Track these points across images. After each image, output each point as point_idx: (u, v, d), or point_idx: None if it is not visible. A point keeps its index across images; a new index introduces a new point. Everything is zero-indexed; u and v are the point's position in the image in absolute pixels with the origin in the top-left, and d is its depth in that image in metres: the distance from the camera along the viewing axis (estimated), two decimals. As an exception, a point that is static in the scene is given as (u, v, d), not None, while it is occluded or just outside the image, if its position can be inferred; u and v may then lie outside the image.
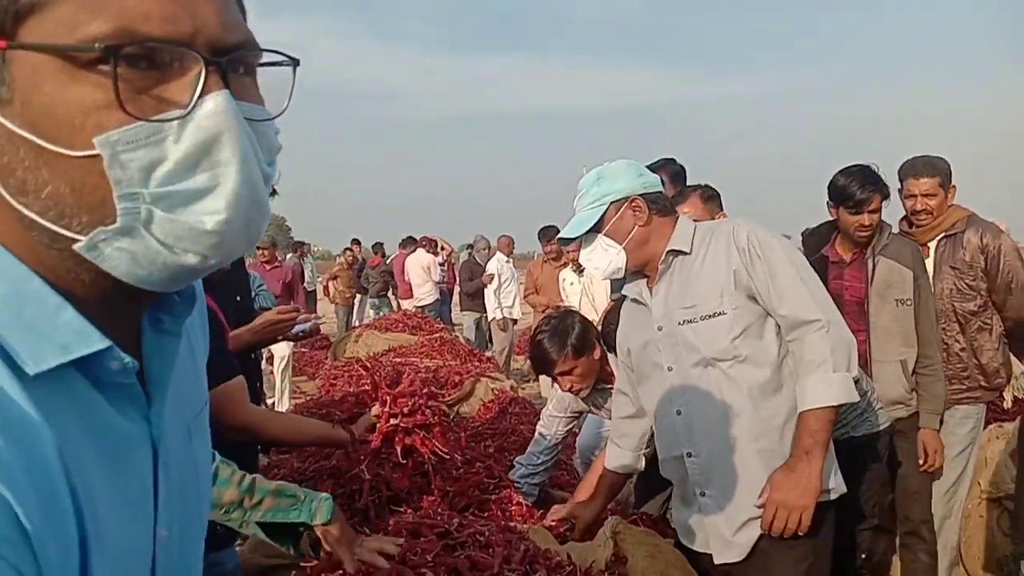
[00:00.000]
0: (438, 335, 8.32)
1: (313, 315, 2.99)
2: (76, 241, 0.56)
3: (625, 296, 2.19)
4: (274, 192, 2.90)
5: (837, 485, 1.94)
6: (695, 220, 2.18)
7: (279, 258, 10.31)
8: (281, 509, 1.56)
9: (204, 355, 0.81)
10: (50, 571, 0.51)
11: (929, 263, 3.26)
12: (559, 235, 2.20)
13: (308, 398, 6.26)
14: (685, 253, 2.00)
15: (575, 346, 2.63)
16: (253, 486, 1.56)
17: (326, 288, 13.52)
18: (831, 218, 3.13)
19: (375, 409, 2.05)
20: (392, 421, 2.13)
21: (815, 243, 3.20)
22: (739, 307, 1.90)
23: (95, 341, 0.57)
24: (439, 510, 1.96)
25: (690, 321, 1.95)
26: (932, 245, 3.26)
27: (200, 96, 0.55)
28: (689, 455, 1.99)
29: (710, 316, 1.92)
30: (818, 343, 1.82)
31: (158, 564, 0.67)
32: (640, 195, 2.00)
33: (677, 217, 2.07)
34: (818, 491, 1.81)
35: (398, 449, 2.09)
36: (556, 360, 2.64)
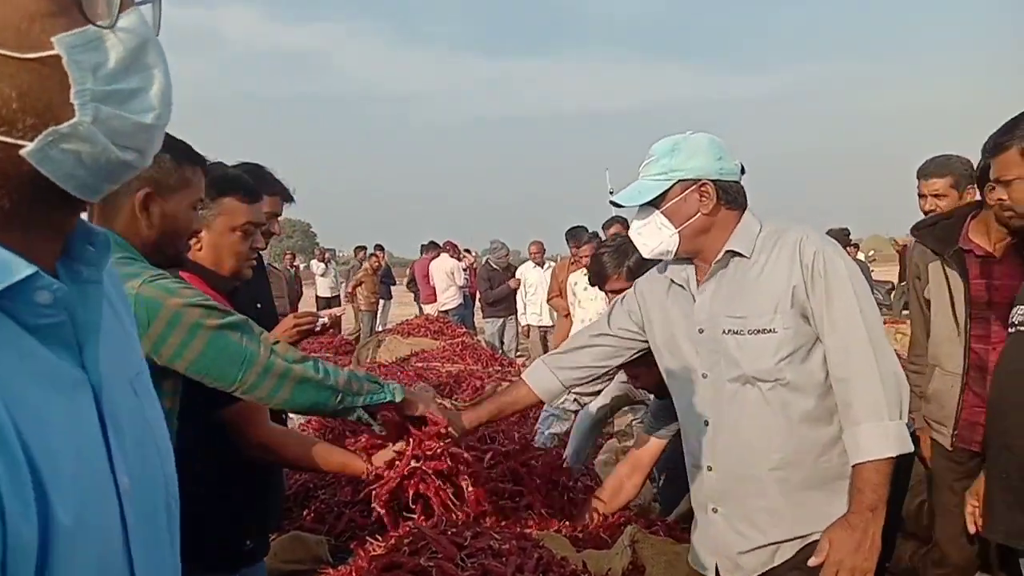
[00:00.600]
0: (460, 340, 8.35)
1: (331, 310, 3.03)
2: (20, 147, 0.58)
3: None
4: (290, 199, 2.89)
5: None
6: None
7: (300, 264, 10.36)
8: (375, 393, 1.79)
9: (134, 328, 0.83)
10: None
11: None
12: (612, 197, 1.97)
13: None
14: (744, 256, 1.84)
15: (631, 268, 2.65)
16: (352, 376, 1.76)
17: (352, 294, 13.62)
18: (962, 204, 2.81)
19: (399, 445, 1.98)
20: (413, 464, 1.96)
21: (943, 235, 2.68)
22: (791, 327, 1.76)
23: (21, 268, 0.58)
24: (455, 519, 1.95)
25: (736, 332, 1.82)
26: None
27: (120, 11, 0.62)
28: (709, 468, 1.90)
29: (759, 331, 1.79)
30: (869, 387, 1.68)
31: (129, 525, 0.66)
32: (713, 180, 1.83)
33: (743, 212, 1.89)
34: (880, 551, 1.68)
35: (408, 494, 1.97)
36: (610, 276, 2.72)
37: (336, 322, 2.96)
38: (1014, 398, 1.88)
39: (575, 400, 2.95)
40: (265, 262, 3.22)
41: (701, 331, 1.88)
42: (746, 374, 1.81)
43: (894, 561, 3.35)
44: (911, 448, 1.72)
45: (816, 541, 1.74)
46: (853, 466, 1.70)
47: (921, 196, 3.16)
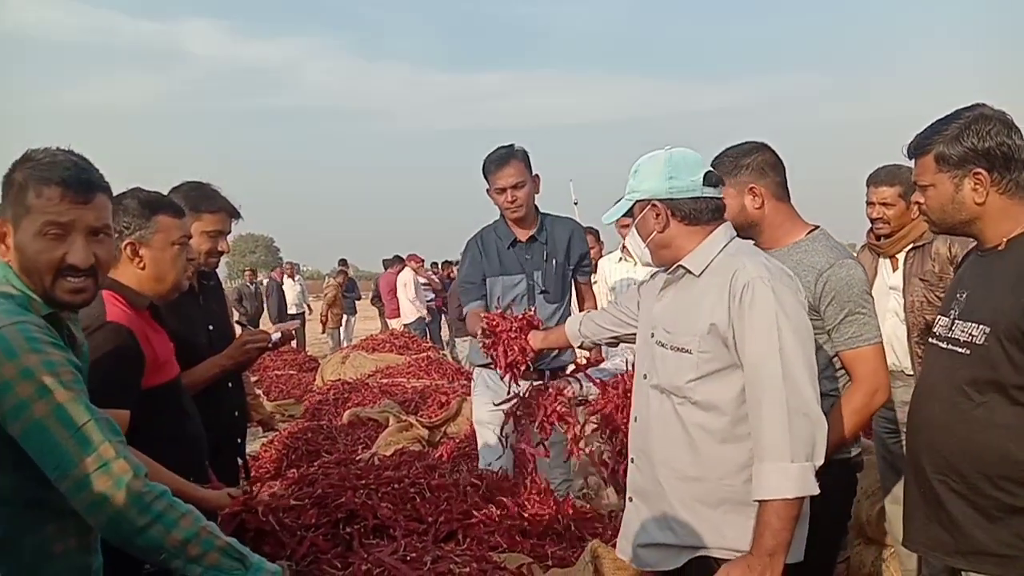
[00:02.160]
0: (425, 355, 8.32)
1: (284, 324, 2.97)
2: None
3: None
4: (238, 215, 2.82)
5: (796, 554, 1.81)
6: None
7: (261, 279, 10.16)
8: (223, 570, 1.46)
9: None
10: None
11: (898, 275, 3.21)
12: (604, 216, 2.11)
13: (296, 422, 6.26)
14: (692, 274, 1.89)
15: None
16: (200, 535, 1.46)
17: (325, 316, 13.47)
18: None
19: (233, 490, 2.18)
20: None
21: None
22: (707, 351, 1.80)
23: None
24: (417, 542, 1.96)
25: (662, 345, 1.91)
26: (900, 257, 3.19)
27: None
28: (632, 460, 2.00)
29: (678, 349, 1.86)
30: (776, 426, 1.69)
31: None
32: (663, 200, 1.88)
33: (714, 229, 1.90)
34: None
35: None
36: None
37: (290, 337, 2.94)
38: (925, 414, 1.89)
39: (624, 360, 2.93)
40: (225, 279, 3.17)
41: (652, 335, 1.97)
42: (662, 385, 1.89)
43: (855, 567, 3.42)
44: (814, 491, 1.68)
45: (709, 558, 1.79)
46: (757, 502, 1.71)
47: (869, 204, 3.22)
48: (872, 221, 3.24)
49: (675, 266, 1.92)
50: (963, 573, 1.81)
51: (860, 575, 3.40)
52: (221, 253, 2.70)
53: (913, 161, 1.93)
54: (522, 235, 3.39)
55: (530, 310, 3.08)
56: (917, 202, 1.95)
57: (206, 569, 1.44)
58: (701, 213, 1.89)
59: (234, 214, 2.69)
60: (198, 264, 2.54)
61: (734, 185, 2.22)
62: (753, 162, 2.25)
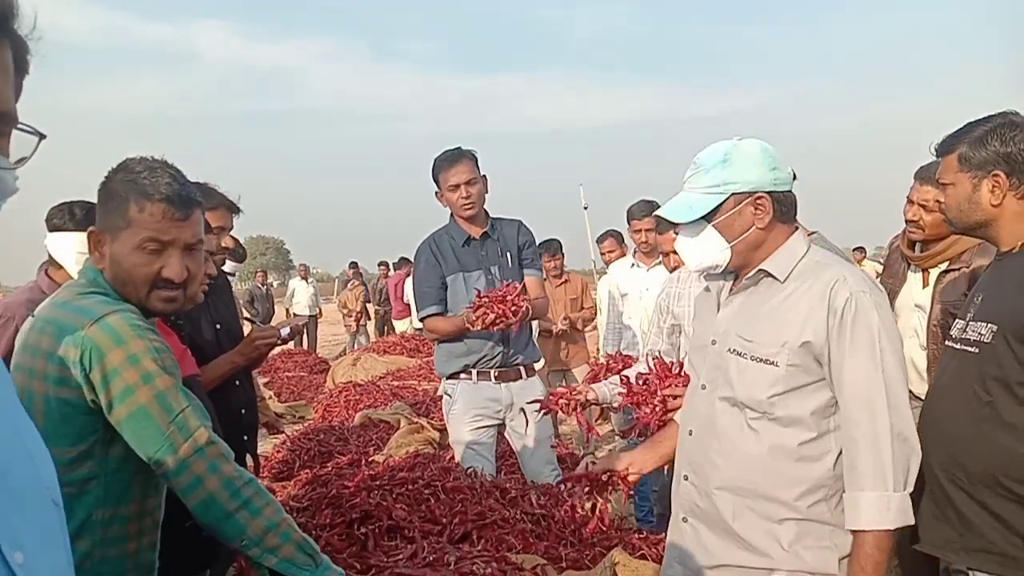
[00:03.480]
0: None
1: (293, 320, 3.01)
2: None
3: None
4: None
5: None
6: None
7: (273, 282, 10.21)
8: (296, 564, 1.51)
9: None
10: None
11: (926, 293, 2.84)
12: (657, 212, 1.87)
13: (307, 423, 6.29)
14: (776, 279, 1.74)
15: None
16: (280, 526, 1.51)
17: (360, 316, 13.50)
18: None
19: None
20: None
21: None
22: (796, 365, 1.66)
23: None
24: (434, 543, 1.97)
25: (740, 355, 1.74)
26: (933, 273, 2.82)
27: None
28: (686, 477, 1.84)
29: (761, 360, 1.70)
30: (878, 452, 1.59)
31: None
32: (769, 192, 1.71)
33: (795, 229, 1.78)
34: None
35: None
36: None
37: (298, 331, 2.96)
38: (934, 413, 1.91)
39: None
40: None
41: (713, 342, 1.83)
42: (737, 398, 1.74)
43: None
44: (911, 521, 1.62)
45: None
46: (852, 531, 1.62)
47: (909, 201, 2.84)
48: (907, 223, 2.86)
49: (755, 271, 1.76)
50: (970, 572, 1.82)
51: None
52: (226, 250, 2.72)
53: (939, 158, 1.96)
54: (475, 232, 3.42)
55: (494, 289, 3.21)
56: (938, 200, 1.99)
57: (280, 560, 1.49)
58: (794, 207, 1.77)
59: (233, 209, 2.71)
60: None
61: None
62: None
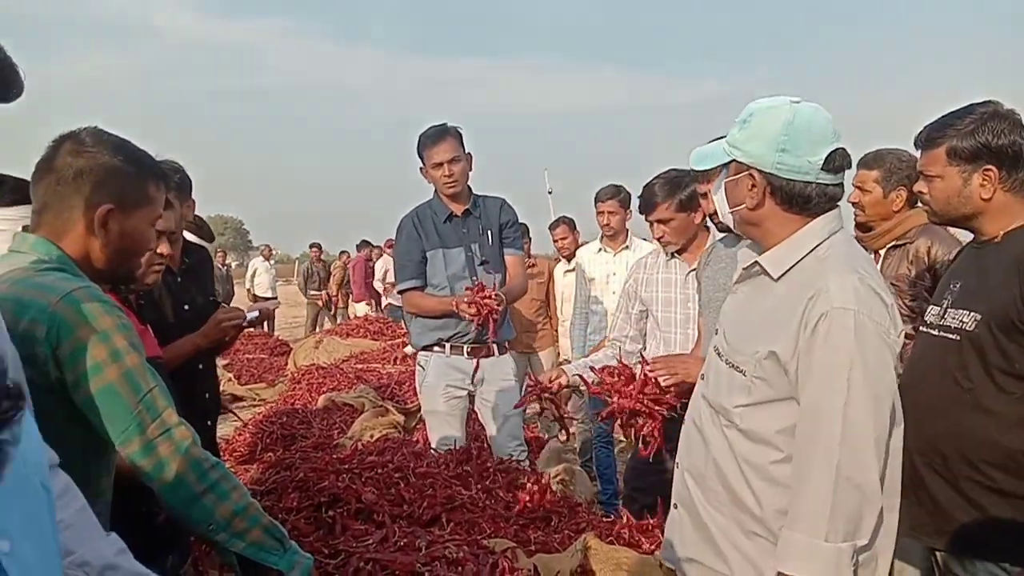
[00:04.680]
0: (401, 340, 8.29)
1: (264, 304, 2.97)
2: None
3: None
4: None
5: None
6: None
7: (232, 263, 10.08)
8: (264, 548, 1.48)
9: None
10: None
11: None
12: (694, 151, 1.70)
13: (269, 406, 6.21)
14: (770, 277, 1.58)
15: (682, 201, 2.79)
16: (248, 510, 1.49)
17: (336, 298, 13.43)
18: None
19: None
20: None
21: None
22: (764, 378, 1.52)
23: None
24: (405, 527, 1.96)
25: (719, 355, 1.65)
26: (883, 254, 2.90)
27: None
28: (678, 464, 1.78)
29: (732, 366, 1.59)
30: (819, 492, 1.41)
31: None
32: (765, 173, 1.52)
33: (809, 222, 1.55)
34: None
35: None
36: (660, 204, 2.81)
37: (267, 315, 2.93)
38: (912, 398, 1.87)
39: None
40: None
41: (717, 331, 1.72)
42: (709, 399, 1.66)
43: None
44: None
45: None
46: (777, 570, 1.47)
47: (853, 187, 2.89)
48: (852, 205, 2.94)
49: (752, 262, 1.62)
50: (937, 553, 1.88)
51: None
52: (191, 223, 2.69)
53: (920, 152, 1.95)
54: (457, 209, 3.43)
55: (473, 280, 3.24)
56: (920, 192, 1.96)
57: (248, 545, 1.47)
58: (808, 201, 1.52)
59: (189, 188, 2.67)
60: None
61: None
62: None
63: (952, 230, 2.65)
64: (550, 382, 2.62)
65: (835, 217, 1.57)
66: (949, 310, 1.88)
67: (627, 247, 4.76)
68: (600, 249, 4.90)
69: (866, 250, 3.04)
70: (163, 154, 2.63)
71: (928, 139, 1.90)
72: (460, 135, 3.40)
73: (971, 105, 1.85)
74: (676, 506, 1.77)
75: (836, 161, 1.50)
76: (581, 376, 2.67)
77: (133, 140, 1.61)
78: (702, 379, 1.73)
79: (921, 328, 2.00)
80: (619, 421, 2.40)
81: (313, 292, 13.29)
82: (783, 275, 1.55)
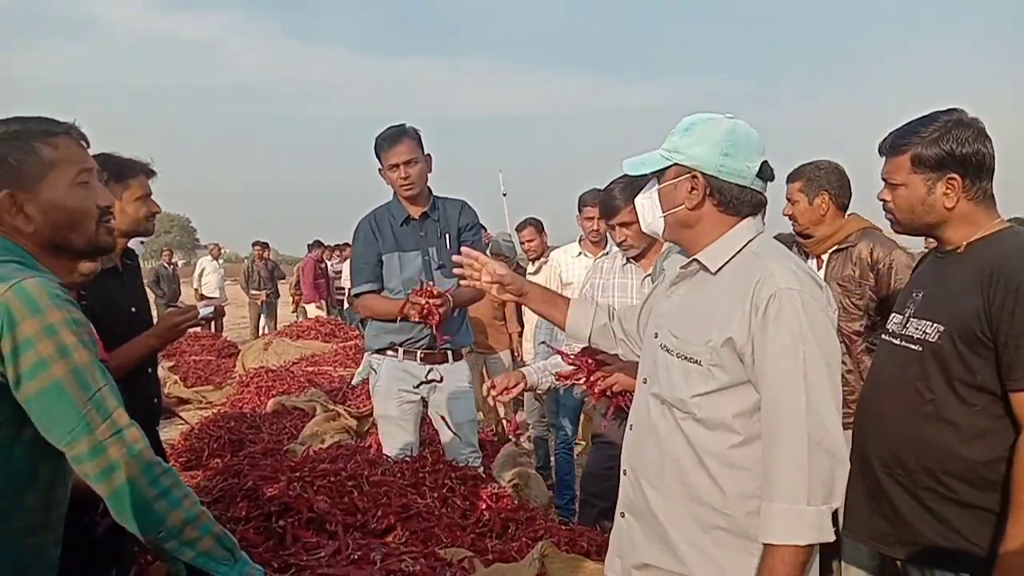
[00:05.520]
0: (353, 342, 8.17)
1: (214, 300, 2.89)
2: None
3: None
4: None
5: None
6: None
7: (179, 261, 9.81)
8: (214, 558, 1.42)
9: None
10: None
11: (821, 275, 3.03)
12: (625, 160, 1.78)
13: (216, 409, 6.05)
14: (709, 272, 1.67)
15: None
16: (199, 519, 1.42)
17: (297, 296, 13.18)
18: None
19: None
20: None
21: None
22: (719, 365, 1.59)
23: None
24: (360, 539, 1.90)
25: (668, 351, 1.69)
26: (825, 258, 3.10)
27: None
28: (625, 472, 1.80)
29: (686, 359, 1.64)
30: (793, 462, 1.49)
31: None
32: (707, 175, 1.63)
33: (740, 221, 1.67)
34: None
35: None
36: (622, 208, 2.78)
37: (220, 313, 2.86)
38: (875, 408, 1.95)
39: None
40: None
41: (655, 335, 1.77)
42: (664, 396, 1.69)
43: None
44: (829, 537, 1.49)
45: None
46: (764, 545, 1.52)
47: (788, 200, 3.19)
48: (788, 216, 3.19)
49: (689, 260, 1.71)
50: (898, 563, 1.90)
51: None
52: (155, 214, 2.59)
53: (884, 159, 1.93)
54: (415, 212, 3.38)
55: (428, 285, 3.16)
56: (884, 199, 1.95)
57: (198, 554, 1.40)
58: (742, 205, 1.65)
59: (149, 173, 2.59)
60: (135, 232, 2.52)
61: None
62: None
63: (888, 232, 2.80)
64: (510, 387, 2.58)
65: (760, 220, 1.72)
66: (912, 319, 1.88)
67: (606, 253, 4.74)
68: (580, 253, 4.85)
69: (806, 257, 3.18)
70: (107, 150, 2.55)
71: (892, 146, 1.89)
72: (419, 136, 3.33)
73: (935, 113, 1.85)
74: (623, 515, 1.79)
75: (767, 171, 1.65)
76: (560, 351, 2.58)
77: (101, 140, 1.53)
78: (644, 382, 1.78)
79: (883, 336, 2.00)
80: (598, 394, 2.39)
81: (254, 291, 13.00)
82: (721, 268, 1.65)
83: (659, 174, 1.70)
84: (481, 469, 3.35)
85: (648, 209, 1.75)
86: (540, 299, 2.15)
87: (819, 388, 1.51)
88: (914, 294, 1.93)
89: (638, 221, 2.71)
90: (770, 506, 1.51)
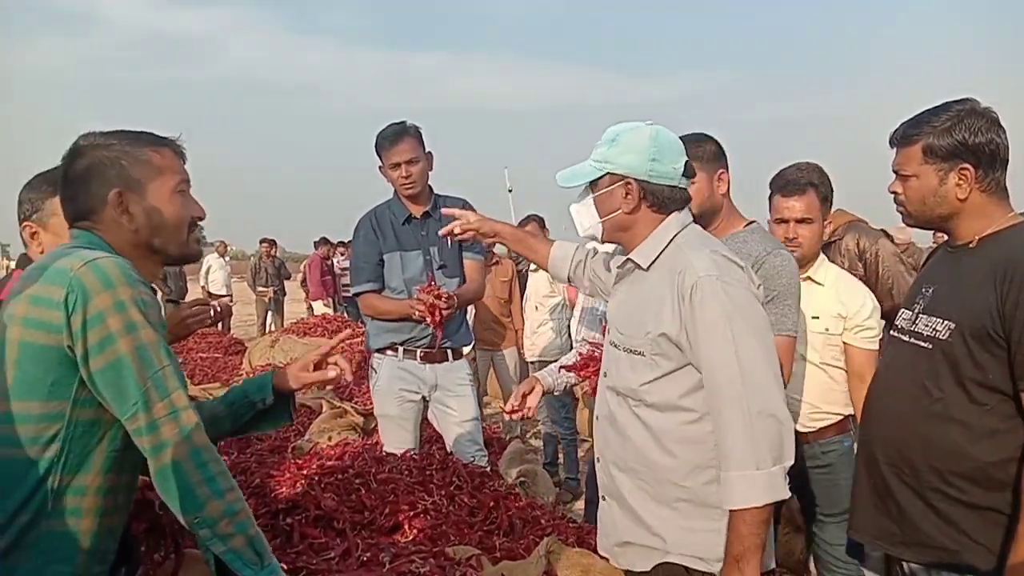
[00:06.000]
0: (360, 339, 8.16)
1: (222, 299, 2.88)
2: None
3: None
4: None
5: (769, 559, 1.84)
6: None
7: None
8: (242, 558, 1.42)
9: None
10: None
11: None
12: (557, 175, 1.91)
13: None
14: (641, 268, 1.82)
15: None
16: (238, 515, 1.43)
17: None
18: None
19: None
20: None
21: None
22: (660, 353, 1.73)
23: None
24: (368, 538, 1.90)
25: (615, 346, 1.85)
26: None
27: None
28: (598, 460, 1.95)
29: (630, 351, 1.79)
30: (737, 433, 1.62)
31: None
32: (640, 180, 1.77)
33: (667, 218, 1.81)
34: None
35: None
36: None
37: (228, 312, 2.84)
38: (882, 405, 1.93)
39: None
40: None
41: (608, 331, 1.91)
42: (617, 387, 1.83)
43: (783, 555, 3.51)
44: (784, 495, 1.63)
45: (677, 564, 1.75)
46: (729, 512, 1.65)
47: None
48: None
49: (624, 260, 1.86)
50: (905, 564, 1.87)
51: (789, 562, 3.50)
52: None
53: (895, 151, 1.89)
54: (416, 211, 3.37)
55: (434, 284, 3.18)
56: (894, 192, 1.91)
57: (228, 550, 1.41)
58: (672, 203, 1.81)
59: (182, 155, 2.61)
60: None
61: (704, 170, 2.24)
62: (716, 149, 2.30)
63: (900, 225, 2.66)
64: (525, 396, 2.56)
65: (686, 213, 1.85)
66: (921, 316, 1.85)
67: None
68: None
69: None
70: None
71: (904, 136, 1.85)
72: (420, 134, 3.32)
73: (947, 103, 1.81)
74: (604, 498, 1.92)
75: (689, 169, 1.81)
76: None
77: (72, 133, 1.57)
78: (604, 376, 1.92)
79: (892, 332, 1.97)
80: None
81: (261, 288, 13.03)
82: (652, 264, 1.79)
83: (592, 183, 1.83)
84: (488, 467, 3.35)
85: (585, 215, 1.87)
86: (513, 238, 2.35)
87: (752, 360, 1.64)
88: (924, 290, 1.89)
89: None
90: (726, 475, 1.64)
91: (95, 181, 1.51)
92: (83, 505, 1.42)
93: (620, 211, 1.80)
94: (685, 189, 1.82)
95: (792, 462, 1.64)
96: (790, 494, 1.65)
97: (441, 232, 2.35)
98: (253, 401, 1.81)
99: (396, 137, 3.25)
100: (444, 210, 2.30)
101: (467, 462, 3.11)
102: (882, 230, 3.30)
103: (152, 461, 1.40)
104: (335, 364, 1.84)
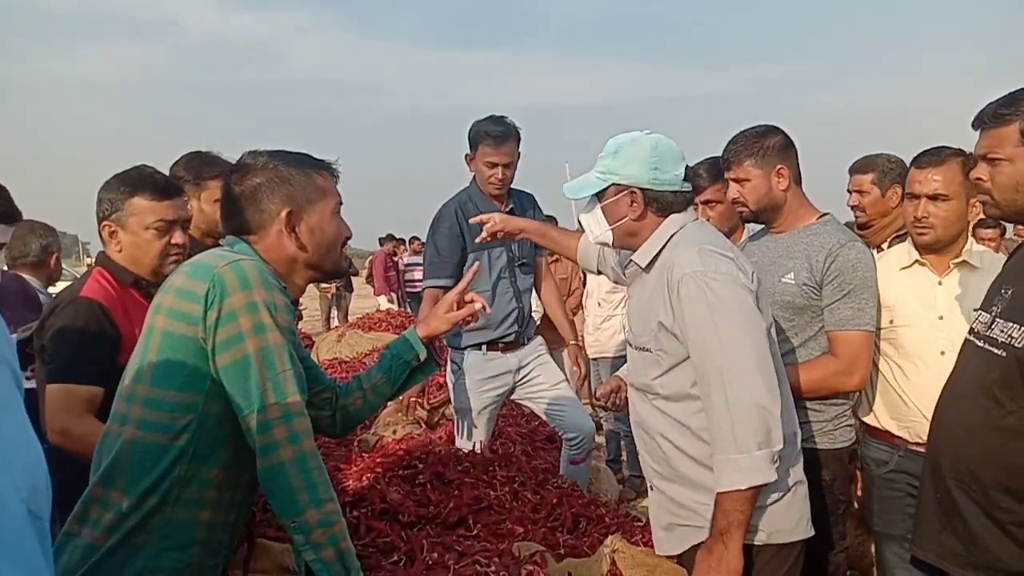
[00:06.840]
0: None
1: None
2: None
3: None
4: None
5: (797, 529, 1.85)
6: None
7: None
8: (329, 570, 1.45)
9: None
10: None
11: None
12: (564, 187, 2.04)
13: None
14: (642, 269, 1.92)
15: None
16: (332, 527, 1.45)
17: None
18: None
19: None
20: None
21: None
22: (664, 348, 1.82)
23: None
24: (432, 537, 1.91)
25: (631, 345, 1.97)
26: (885, 247, 2.96)
27: None
28: (642, 456, 2.02)
29: (642, 348, 1.89)
30: (720, 418, 1.69)
31: None
32: (643, 189, 1.86)
33: (666, 219, 1.89)
34: (738, 571, 1.70)
35: None
36: (706, 187, 2.78)
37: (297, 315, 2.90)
38: (950, 416, 1.79)
39: None
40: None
41: (626, 331, 2.00)
42: (635, 384, 1.95)
43: (855, 557, 3.39)
44: (769, 478, 1.67)
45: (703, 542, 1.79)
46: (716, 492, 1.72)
47: (848, 192, 3.14)
48: (852, 208, 3.15)
49: (627, 262, 1.96)
50: None
51: (861, 565, 3.40)
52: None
53: (981, 133, 1.73)
54: (501, 207, 3.33)
55: (513, 282, 3.22)
56: (979, 178, 1.75)
57: (317, 559, 1.44)
58: (675, 206, 1.89)
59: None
60: (216, 232, 2.52)
61: (761, 166, 2.24)
62: (778, 143, 2.25)
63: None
64: (615, 391, 2.55)
65: (690, 212, 1.94)
66: (998, 320, 1.69)
67: None
68: None
69: (868, 246, 2.92)
70: (187, 149, 2.63)
71: (995, 115, 1.67)
72: (520, 137, 3.31)
73: None
74: (652, 487, 2.00)
75: (689, 174, 1.90)
76: None
77: (171, 138, 1.63)
78: (627, 374, 2.01)
79: (967, 336, 1.82)
80: None
81: (324, 284, 13.31)
82: (650, 264, 1.89)
83: (599, 194, 1.91)
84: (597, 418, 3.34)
85: (594, 224, 1.95)
86: (537, 233, 2.54)
87: (737, 349, 1.69)
88: (1003, 291, 1.73)
89: (723, 201, 2.74)
90: (715, 459, 1.72)
91: (265, 199, 1.57)
92: (205, 496, 1.48)
93: (627, 218, 1.89)
94: (687, 192, 1.91)
95: (781, 446, 1.68)
96: (776, 477, 1.69)
97: (477, 240, 2.45)
98: (407, 360, 1.90)
99: (501, 139, 3.23)
100: (472, 219, 2.45)
101: (586, 433, 3.19)
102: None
103: (260, 460, 1.44)
104: (471, 301, 1.96)
